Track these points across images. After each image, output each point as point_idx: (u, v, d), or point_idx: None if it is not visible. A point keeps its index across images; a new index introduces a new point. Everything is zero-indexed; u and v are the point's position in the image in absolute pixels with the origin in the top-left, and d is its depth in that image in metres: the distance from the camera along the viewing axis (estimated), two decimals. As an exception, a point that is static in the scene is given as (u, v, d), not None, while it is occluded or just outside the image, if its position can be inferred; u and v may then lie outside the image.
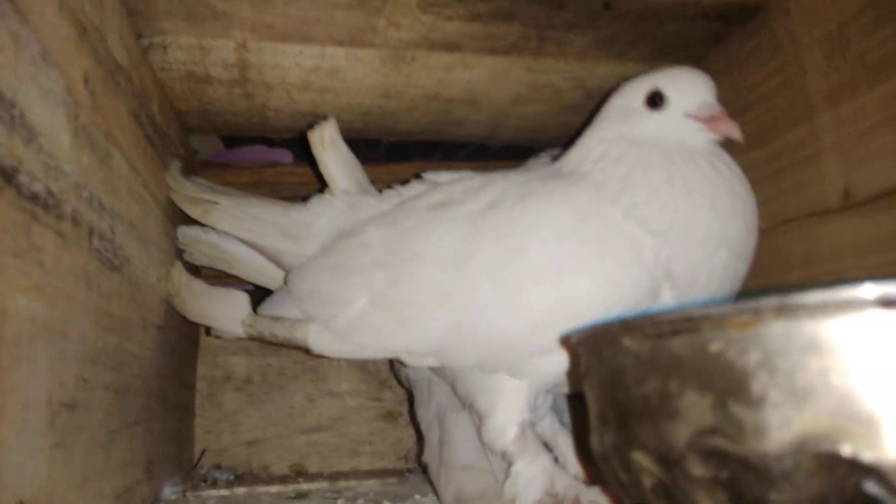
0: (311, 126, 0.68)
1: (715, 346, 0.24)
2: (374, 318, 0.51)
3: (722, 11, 0.58)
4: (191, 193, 0.62)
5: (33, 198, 0.33)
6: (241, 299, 0.58)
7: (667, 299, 0.48)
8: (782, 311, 0.23)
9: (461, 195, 0.53)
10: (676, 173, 0.47)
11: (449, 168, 0.89)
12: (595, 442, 0.31)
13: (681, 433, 0.25)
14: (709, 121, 0.48)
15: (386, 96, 0.71)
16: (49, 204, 0.35)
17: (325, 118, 0.65)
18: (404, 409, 0.80)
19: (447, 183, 0.56)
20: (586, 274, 0.46)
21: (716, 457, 0.24)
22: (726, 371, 0.24)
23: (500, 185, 0.52)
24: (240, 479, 0.71)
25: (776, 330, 0.23)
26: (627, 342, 0.28)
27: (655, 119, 0.50)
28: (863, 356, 0.22)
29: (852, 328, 0.22)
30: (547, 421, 0.55)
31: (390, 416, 0.80)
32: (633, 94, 0.51)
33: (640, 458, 0.27)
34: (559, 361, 0.47)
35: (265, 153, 0.86)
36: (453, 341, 0.49)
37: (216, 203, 0.61)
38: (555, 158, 0.82)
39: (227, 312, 0.58)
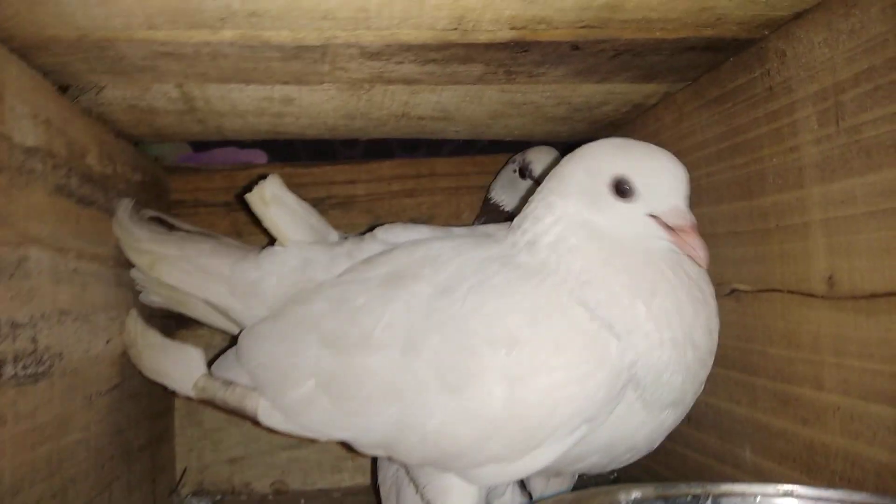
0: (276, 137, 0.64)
1: None
2: (320, 404, 0.49)
3: (708, 45, 0.51)
4: (137, 245, 0.59)
5: None
6: (195, 357, 0.56)
7: (631, 401, 0.45)
8: None
9: (414, 269, 0.49)
10: (640, 276, 0.43)
11: (431, 165, 0.86)
12: None
13: None
14: (675, 233, 0.43)
15: (350, 117, 0.66)
16: (-75, 382, 0.32)
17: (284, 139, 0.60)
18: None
19: (401, 248, 0.52)
20: (540, 383, 0.43)
21: None
22: None
23: (455, 262, 0.48)
24: (221, 501, 0.72)
25: None
26: None
27: (620, 210, 0.45)
28: None
29: None
30: (507, 496, 0.53)
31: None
32: (599, 172, 0.46)
33: None
34: (512, 471, 0.45)
35: (237, 154, 0.82)
36: (401, 439, 0.47)
37: (163, 254, 0.58)
38: (523, 168, 0.76)
39: (179, 371, 0.56)
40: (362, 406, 0.47)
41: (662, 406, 0.46)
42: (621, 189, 0.44)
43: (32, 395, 0.43)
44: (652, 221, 0.44)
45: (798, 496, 0.39)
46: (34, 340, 0.43)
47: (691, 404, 0.48)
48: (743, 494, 0.40)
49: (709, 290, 0.46)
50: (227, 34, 0.44)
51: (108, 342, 0.56)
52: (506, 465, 0.44)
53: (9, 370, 0.40)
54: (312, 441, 0.79)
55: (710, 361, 0.46)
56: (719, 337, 0.48)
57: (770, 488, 0.39)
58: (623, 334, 0.43)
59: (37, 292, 0.44)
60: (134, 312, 0.60)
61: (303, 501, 0.73)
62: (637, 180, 0.44)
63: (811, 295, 0.47)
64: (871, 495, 0.37)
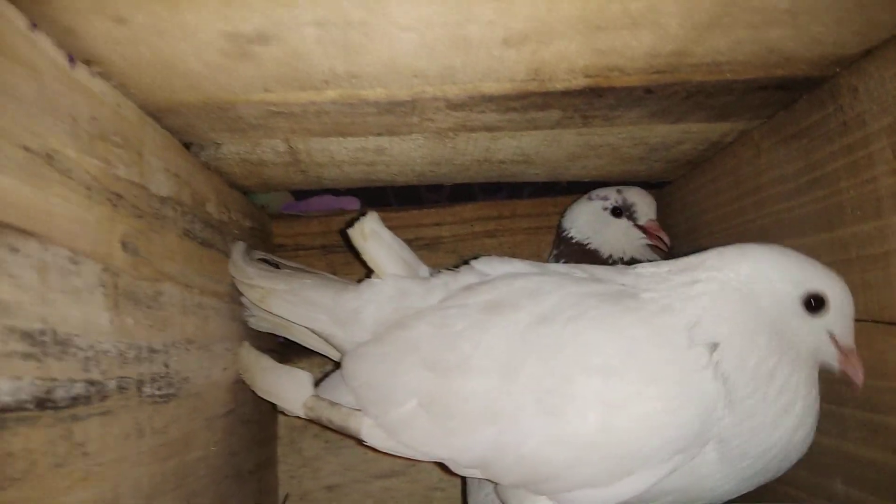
0: (368, 185, 0.69)
1: None
2: (421, 422, 0.52)
3: (780, 84, 0.53)
4: (249, 281, 0.65)
5: (73, 401, 0.37)
6: (305, 379, 0.61)
7: (711, 457, 0.47)
8: None
9: (514, 298, 0.52)
10: (781, 372, 0.47)
11: (512, 207, 0.90)
12: None
13: None
14: (846, 356, 0.48)
15: (436, 164, 0.71)
16: (90, 396, 0.38)
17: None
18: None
19: (500, 277, 0.56)
20: (631, 415, 0.45)
21: None
22: None
23: (554, 295, 0.51)
24: (317, 527, 0.76)
25: None
26: None
27: (803, 322, 0.48)
28: None
29: None
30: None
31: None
32: (781, 285, 0.49)
33: None
34: (604, 496, 0.47)
35: (333, 202, 0.89)
36: (497, 459, 0.50)
37: (272, 288, 0.65)
38: (620, 208, 0.79)
39: (290, 392, 0.61)
40: (461, 426, 0.50)
41: (740, 471, 0.47)
42: (813, 305, 0.48)
43: (164, 413, 0.49)
44: (828, 338, 0.48)
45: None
46: (167, 365, 0.49)
47: (769, 480, 0.50)
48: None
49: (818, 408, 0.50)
50: (330, 94, 0.50)
51: (224, 370, 0.62)
52: (598, 491, 0.46)
53: (147, 389, 0.46)
54: (405, 472, 0.83)
55: (796, 456, 0.49)
56: None
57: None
58: (722, 381, 0.46)
59: (169, 322, 0.50)
60: (246, 343, 0.66)
61: (394, 528, 0.76)
62: (832, 300, 0.48)
63: (894, 323, 0.47)
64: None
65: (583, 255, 0.78)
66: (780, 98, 0.56)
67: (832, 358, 0.49)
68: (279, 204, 0.88)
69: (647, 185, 0.86)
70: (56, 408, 0.35)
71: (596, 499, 0.46)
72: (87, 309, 0.39)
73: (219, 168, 0.67)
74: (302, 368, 0.62)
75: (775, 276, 0.49)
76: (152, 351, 0.47)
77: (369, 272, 0.63)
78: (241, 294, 0.67)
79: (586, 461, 0.46)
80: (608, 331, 0.47)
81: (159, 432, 0.47)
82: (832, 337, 0.48)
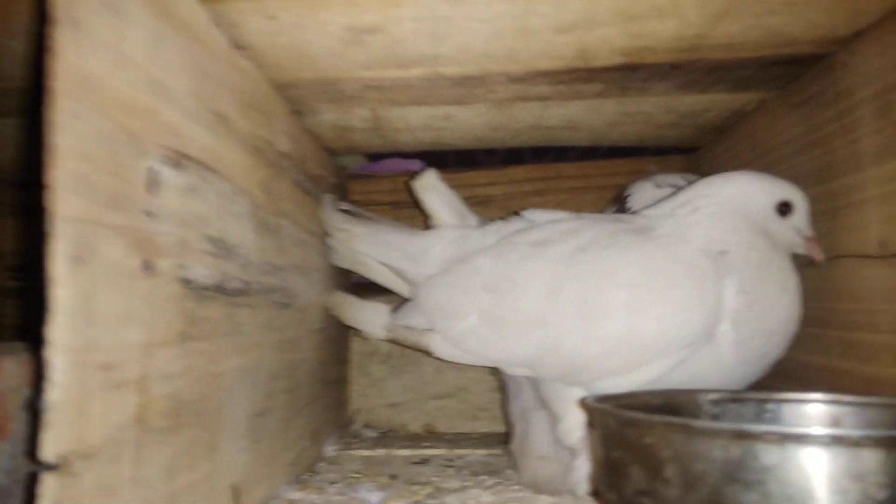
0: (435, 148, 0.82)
1: (647, 440, 0.37)
2: (481, 332, 0.65)
3: (787, 60, 0.63)
4: (337, 225, 0.79)
5: (235, 293, 0.51)
6: (383, 310, 0.76)
7: (729, 338, 0.59)
8: (686, 428, 0.35)
9: (558, 236, 0.65)
10: (774, 263, 0.60)
11: (557, 169, 1.01)
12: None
13: (627, 489, 0.38)
14: (808, 242, 0.62)
15: (494, 129, 0.84)
16: (243, 291, 0.53)
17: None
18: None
19: (544, 223, 0.69)
20: (649, 317, 0.58)
21: (646, 511, 0.37)
22: (653, 457, 0.36)
23: (591, 231, 0.64)
24: (383, 435, 0.91)
25: (678, 438, 0.35)
26: (610, 421, 0.41)
27: (778, 223, 0.62)
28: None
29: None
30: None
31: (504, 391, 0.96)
32: (761, 199, 0.62)
33: (612, 497, 0.40)
34: (625, 383, 0.59)
35: (401, 164, 1.02)
36: (542, 358, 0.63)
37: (355, 231, 0.79)
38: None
39: (373, 320, 0.76)
40: (514, 332, 0.63)
41: (751, 350, 0.59)
42: (783, 209, 0.61)
43: (284, 317, 0.63)
44: (795, 233, 0.62)
45: (842, 402, 0.51)
46: (285, 280, 0.63)
47: (773, 361, 0.61)
48: (800, 400, 0.52)
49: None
50: (416, 71, 0.63)
51: (318, 294, 0.76)
52: (620, 378, 0.59)
53: (274, 296, 0.60)
54: (455, 394, 0.97)
55: (793, 329, 0.61)
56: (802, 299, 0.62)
57: (821, 395, 0.52)
58: (735, 276, 0.58)
59: (285, 249, 0.64)
60: (336, 291, 0.81)
61: (448, 437, 0.90)
62: (795, 202, 0.62)
63: (868, 256, 0.58)
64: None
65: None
66: (789, 72, 0.67)
67: (800, 247, 0.62)
68: (356, 165, 1.02)
69: (679, 150, 0.97)
70: (226, 294, 0.49)
71: (619, 385, 0.59)
72: (243, 229, 0.53)
73: (316, 132, 0.81)
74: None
75: (754, 193, 0.62)
76: (276, 268, 0.61)
77: (429, 227, 0.76)
78: (329, 236, 0.81)
79: (613, 354, 0.58)
80: (634, 255, 0.60)
81: (281, 330, 0.62)
82: (797, 231, 0.62)
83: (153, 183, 0.39)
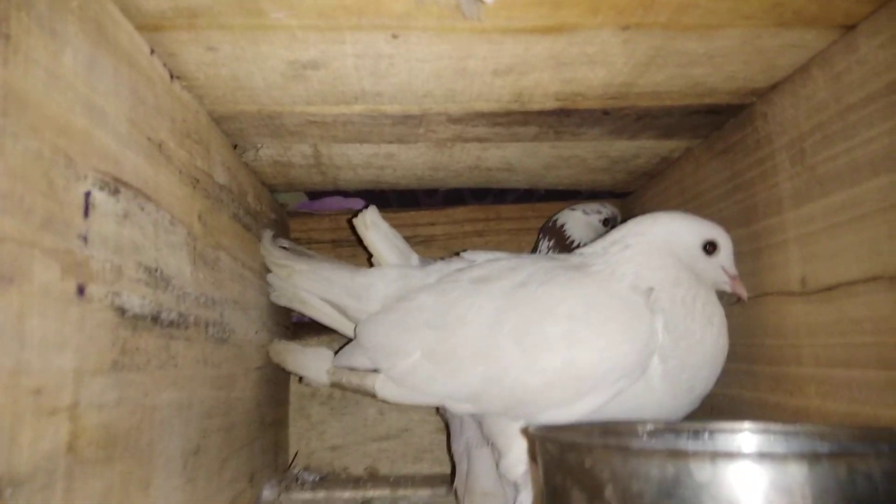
0: (373, 189, 0.83)
1: (587, 463, 0.37)
2: (425, 368, 0.65)
3: (710, 109, 0.68)
4: (277, 261, 0.78)
5: (170, 324, 0.50)
6: (327, 355, 0.75)
7: (657, 373, 0.60)
8: (623, 450, 0.36)
9: (498, 273, 0.66)
10: (699, 299, 0.62)
11: (497, 210, 1.03)
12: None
13: (569, 516, 0.38)
14: (733, 280, 0.65)
15: (435, 169, 0.85)
16: (179, 323, 0.51)
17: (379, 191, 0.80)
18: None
19: (484, 262, 0.70)
20: (587, 349, 0.59)
21: (585, 536, 0.37)
22: (592, 479, 0.37)
23: (530, 268, 0.66)
24: (324, 479, 0.89)
25: (616, 459, 0.36)
26: (551, 447, 0.41)
27: (705, 262, 0.65)
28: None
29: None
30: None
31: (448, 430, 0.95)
32: (688, 238, 0.65)
33: (554, 525, 0.40)
34: (567, 415, 0.60)
35: (342, 202, 1.03)
36: (486, 392, 0.63)
37: (296, 268, 0.78)
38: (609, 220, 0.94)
39: (317, 366, 0.75)
40: (457, 367, 0.63)
41: (680, 383, 0.61)
42: (709, 248, 0.65)
43: (220, 352, 0.61)
44: (721, 271, 0.65)
45: (770, 430, 0.53)
46: (222, 315, 0.62)
47: (702, 394, 0.64)
48: (731, 430, 0.54)
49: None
50: (358, 108, 0.64)
51: (256, 332, 0.74)
52: (562, 410, 0.60)
53: (210, 330, 0.59)
54: (398, 436, 0.95)
55: (721, 363, 0.63)
56: (730, 336, 0.65)
57: (751, 424, 0.53)
58: (661, 314, 0.60)
59: (223, 283, 0.63)
60: (276, 339, 0.80)
61: (391, 480, 0.89)
62: (720, 242, 0.65)
63: (791, 294, 0.61)
64: (820, 426, 0.51)
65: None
66: (712, 121, 0.71)
67: (725, 285, 0.65)
68: (295, 202, 1.01)
69: (613, 194, 1.01)
70: (161, 325, 0.48)
71: (560, 416, 0.60)
72: (180, 260, 0.52)
73: (255, 168, 0.80)
74: (312, 344, 0.75)
75: (681, 231, 0.65)
76: (214, 301, 0.60)
77: (371, 265, 0.77)
78: (269, 272, 0.80)
79: (554, 385, 0.59)
80: (571, 289, 0.61)
81: (217, 365, 0.60)
82: (723, 269, 0.65)
83: (88, 207, 0.38)
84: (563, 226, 0.94)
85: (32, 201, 0.33)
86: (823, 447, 0.34)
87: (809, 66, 0.57)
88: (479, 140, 0.75)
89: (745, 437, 0.53)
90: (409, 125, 0.69)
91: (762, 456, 0.33)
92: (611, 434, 0.52)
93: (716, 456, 0.34)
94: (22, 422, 0.31)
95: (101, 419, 0.39)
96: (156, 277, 0.47)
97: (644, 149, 0.80)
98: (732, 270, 0.66)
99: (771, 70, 0.60)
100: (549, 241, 0.97)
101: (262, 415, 0.77)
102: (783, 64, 0.59)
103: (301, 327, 0.95)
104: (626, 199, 1.02)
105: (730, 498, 0.33)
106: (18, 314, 0.31)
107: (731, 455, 0.34)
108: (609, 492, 0.36)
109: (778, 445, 0.51)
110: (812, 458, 0.33)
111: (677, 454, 0.34)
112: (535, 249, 0.96)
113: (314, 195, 1.01)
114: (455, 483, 0.70)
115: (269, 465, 0.81)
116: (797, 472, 0.33)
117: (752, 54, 0.57)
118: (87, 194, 0.38)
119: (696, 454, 0.34)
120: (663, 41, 0.53)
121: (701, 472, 0.34)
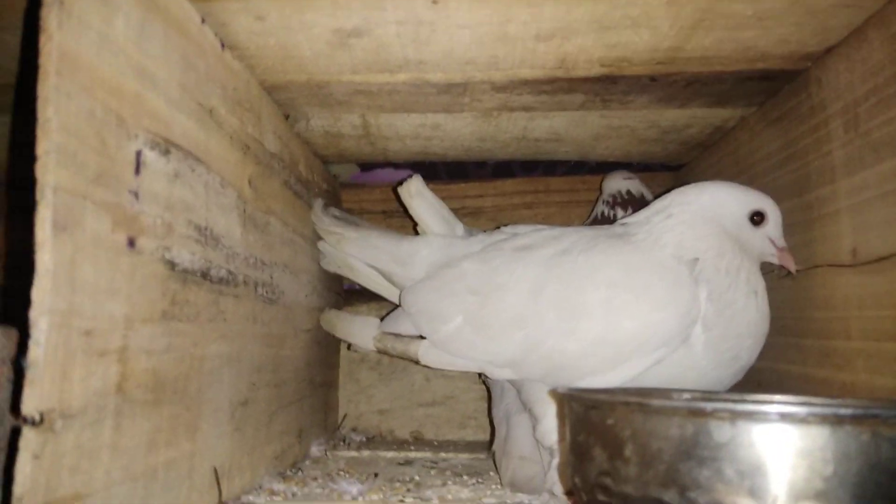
0: (422, 161, 0.84)
1: (609, 421, 0.38)
2: (466, 334, 0.67)
3: (763, 75, 0.65)
4: (328, 228, 0.81)
5: (220, 281, 0.52)
6: (374, 323, 0.77)
7: (699, 341, 0.60)
8: (643, 407, 0.36)
9: (540, 242, 0.67)
10: (743, 269, 0.61)
11: (546, 183, 1.03)
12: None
13: (591, 471, 0.39)
14: (781, 252, 0.63)
15: (481, 140, 0.86)
16: (229, 280, 0.54)
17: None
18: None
19: (526, 233, 0.70)
20: (627, 315, 0.59)
21: (605, 492, 0.38)
22: (614, 437, 0.37)
23: (572, 237, 0.66)
24: (370, 440, 0.92)
25: (637, 417, 0.36)
26: (576, 406, 0.42)
27: (751, 233, 0.63)
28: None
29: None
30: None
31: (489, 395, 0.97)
32: (734, 208, 0.64)
33: (578, 481, 0.41)
34: (604, 381, 0.60)
35: (392, 174, 1.04)
36: (525, 358, 0.64)
37: (345, 234, 0.80)
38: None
39: (364, 333, 0.77)
40: (497, 333, 0.64)
41: (722, 353, 0.60)
42: (756, 218, 0.63)
43: (269, 311, 0.64)
44: (768, 242, 0.63)
45: (812, 404, 0.51)
46: (272, 276, 0.65)
47: (746, 365, 0.62)
48: (770, 402, 0.53)
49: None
50: (402, 76, 0.65)
51: (306, 296, 0.77)
52: (600, 377, 0.60)
53: (260, 290, 0.62)
54: (444, 402, 0.97)
55: (764, 333, 0.62)
56: (778, 310, 0.64)
57: (790, 398, 0.52)
58: (705, 284, 0.59)
59: (273, 246, 0.66)
60: (327, 308, 0.83)
61: (434, 444, 0.91)
62: (769, 212, 0.64)
63: (841, 265, 0.59)
64: (865, 401, 0.49)
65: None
66: (766, 88, 0.69)
67: (772, 256, 0.64)
68: (348, 174, 1.04)
69: (666, 166, 0.99)
70: (210, 281, 0.51)
71: (600, 383, 0.60)
72: (230, 221, 0.55)
73: (307, 139, 0.83)
74: (362, 311, 0.77)
75: (728, 201, 0.63)
76: (263, 263, 0.63)
77: (417, 234, 0.78)
78: (319, 239, 0.83)
79: (592, 352, 0.59)
80: (611, 257, 0.61)
81: (266, 324, 0.63)
82: (771, 241, 0.63)
83: (140, 165, 0.41)
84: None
85: (85, 157, 0.35)
86: (846, 411, 0.33)
87: (865, 28, 0.55)
88: (525, 109, 0.75)
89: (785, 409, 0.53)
90: (453, 94, 0.70)
91: (783, 416, 0.33)
92: (642, 396, 0.52)
93: (735, 416, 0.34)
94: (73, 360, 0.34)
95: (150, 364, 0.42)
96: (206, 235, 0.50)
97: (696, 118, 0.78)
98: (781, 242, 0.64)
99: (824, 32, 0.58)
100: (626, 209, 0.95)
101: (311, 375, 0.80)
102: (836, 25, 0.57)
103: (352, 294, 0.98)
104: (679, 172, 1.00)
105: (749, 459, 0.33)
106: (71, 260, 0.34)
107: (750, 415, 0.33)
108: (629, 450, 0.36)
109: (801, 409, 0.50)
110: (834, 420, 0.33)
111: (697, 412, 0.34)
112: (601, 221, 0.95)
113: (366, 167, 1.03)
114: (493, 447, 0.71)
115: (319, 423, 0.85)
116: (818, 435, 0.33)
117: (802, 16, 0.55)
118: (139, 153, 0.41)
119: (715, 413, 0.34)
120: (709, 2, 0.52)
121: (720, 431, 0.34)
